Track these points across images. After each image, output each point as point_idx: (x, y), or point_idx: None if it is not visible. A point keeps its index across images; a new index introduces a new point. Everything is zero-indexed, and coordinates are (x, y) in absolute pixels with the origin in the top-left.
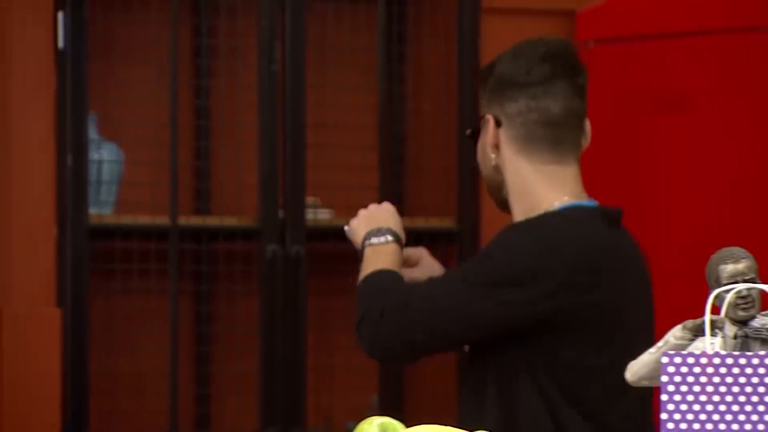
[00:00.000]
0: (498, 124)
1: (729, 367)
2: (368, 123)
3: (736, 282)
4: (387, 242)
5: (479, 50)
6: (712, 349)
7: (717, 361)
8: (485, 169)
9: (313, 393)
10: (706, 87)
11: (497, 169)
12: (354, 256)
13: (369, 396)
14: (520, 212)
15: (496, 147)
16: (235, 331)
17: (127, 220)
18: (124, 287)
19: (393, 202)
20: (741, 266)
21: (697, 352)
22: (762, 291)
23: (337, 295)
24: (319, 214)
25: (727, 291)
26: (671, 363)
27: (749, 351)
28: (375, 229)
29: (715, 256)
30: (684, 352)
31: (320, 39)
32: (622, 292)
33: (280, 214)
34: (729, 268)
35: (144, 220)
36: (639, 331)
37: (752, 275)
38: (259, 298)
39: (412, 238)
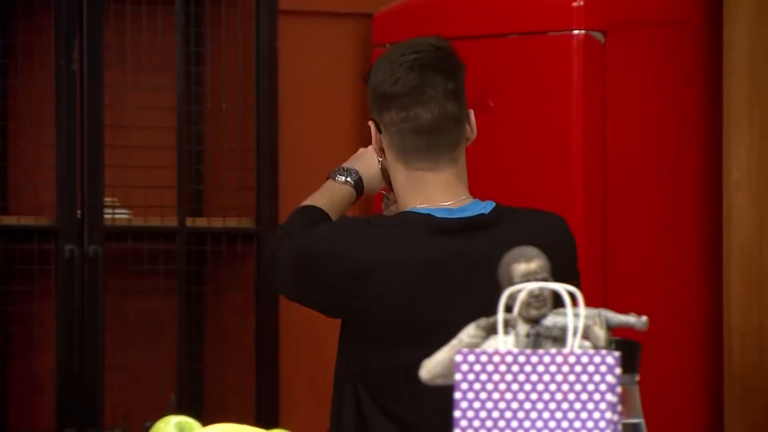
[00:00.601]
0: (379, 130)
1: (521, 365)
2: (167, 123)
3: (529, 281)
4: (343, 182)
5: (277, 52)
6: (505, 347)
7: (509, 359)
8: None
9: (111, 393)
10: (501, 89)
11: (385, 170)
12: (152, 255)
13: (167, 395)
14: None
15: (382, 151)
16: (32, 331)
17: None
18: None
19: (191, 202)
20: (533, 266)
21: (491, 350)
22: (553, 290)
23: (136, 295)
24: (117, 214)
25: (520, 290)
26: (465, 361)
27: (541, 349)
28: (345, 168)
29: (507, 256)
30: (477, 350)
31: (118, 39)
32: (415, 296)
33: (78, 213)
34: (521, 268)
35: None
36: (444, 330)
37: (544, 274)
38: (57, 297)
39: (210, 238)
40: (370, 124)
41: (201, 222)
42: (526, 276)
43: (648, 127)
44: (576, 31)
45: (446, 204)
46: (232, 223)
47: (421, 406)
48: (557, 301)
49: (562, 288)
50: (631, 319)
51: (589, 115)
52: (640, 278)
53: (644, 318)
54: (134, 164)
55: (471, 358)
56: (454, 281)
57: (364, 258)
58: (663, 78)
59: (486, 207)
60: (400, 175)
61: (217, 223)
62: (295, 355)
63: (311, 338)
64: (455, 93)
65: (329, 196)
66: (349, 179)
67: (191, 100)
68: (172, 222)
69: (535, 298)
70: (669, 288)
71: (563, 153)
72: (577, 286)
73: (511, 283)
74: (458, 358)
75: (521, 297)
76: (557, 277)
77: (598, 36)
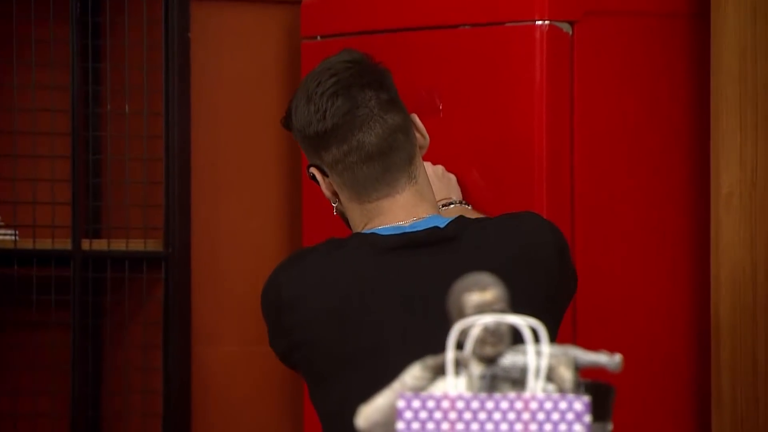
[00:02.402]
0: (324, 173)
1: (475, 411)
2: (59, 128)
3: (483, 313)
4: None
5: (189, 45)
6: (456, 390)
7: (461, 404)
8: (334, 210)
9: None
10: (452, 88)
11: (341, 212)
12: (42, 283)
13: None
14: None
15: (335, 195)
16: None
17: None
18: None
19: (88, 221)
20: (488, 295)
21: (438, 393)
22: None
23: (22, 329)
24: (0, 235)
25: (473, 324)
26: (408, 407)
27: (498, 393)
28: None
29: (458, 284)
30: (423, 394)
31: (5, 32)
32: (345, 320)
33: None
34: (474, 299)
35: None
36: (383, 356)
37: (501, 305)
38: None
39: (111, 263)
40: (313, 171)
41: (100, 244)
42: (479, 308)
43: (623, 133)
44: (539, 22)
45: (400, 222)
46: (136, 245)
47: None
48: (516, 337)
49: (522, 322)
50: (602, 357)
51: (555, 117)
52: (610, 303)
53: (618, 357)
54: (21, 176)
55: (416, 403)
56: (391, 303)
57: (286, 288)
58: (640, 76)
59: (444, 221)
60: (355, 213)
61: (119, 245)
62: (211, 400)
63: (228, 380)
64: (391, 102)
65: None
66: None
67: (88, 101)
68: (65, 244)
69: (490, 333)
70: (643, 319)
71: (525, 161)
72: (574, 285)
73: (463, 315)
74: (401, 403)
75: (474, 332)
76: (548, 285)
77: (565, 27)
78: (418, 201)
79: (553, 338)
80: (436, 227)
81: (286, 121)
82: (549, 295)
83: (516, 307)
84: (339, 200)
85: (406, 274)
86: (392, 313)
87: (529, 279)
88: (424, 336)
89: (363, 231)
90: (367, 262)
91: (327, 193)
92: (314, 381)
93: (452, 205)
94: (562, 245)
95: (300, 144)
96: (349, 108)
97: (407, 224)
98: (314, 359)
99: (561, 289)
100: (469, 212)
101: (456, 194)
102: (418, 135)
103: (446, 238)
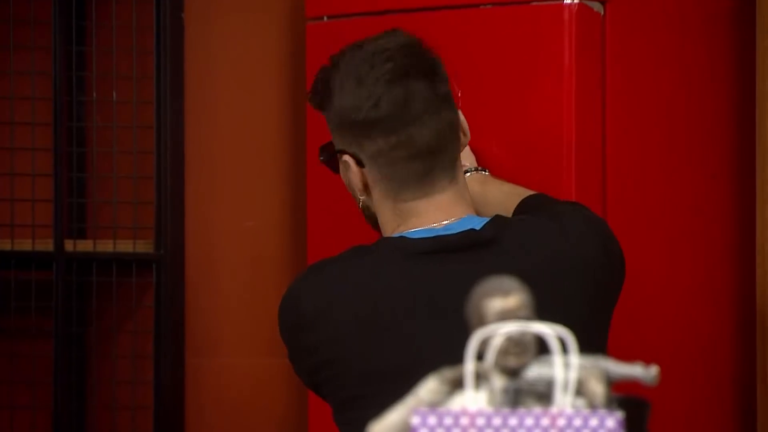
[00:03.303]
0: (360, 164)
1: (497, 428)
2: (40, 118)
3: (506, 321)
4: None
5: (183, 26)
6: (476, 405)
7: (481, 421)
8: (357, 203)
9: None
10: (472, 74)
11: (368, 207)
12: (22, 288)
13: None
14: None
15: (366, 188)
16: None
17: None
18: None
19: (72, 220)
20: (511, 302)
21: (457, 409)
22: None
23: (0, 337)
24: None
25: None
26: (424, 424)
27: (522, 408)
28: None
29: (478, 290)
30: (440, 409)
31: None
32: (371, 338)
33: None
34: (496, 305)
35: None
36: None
37: (525, 312)
38: None
39: (97, 265)
40: (348, 159)
41: (84, 245)
42: (502, 315)
43: (659, 120)
44: (568, 0)
45: (433, 225)
46: (124, 246)
47: None
48: (542, 348)
49: (549, 330)
50: (637, 370)
51: (585, 105)
52: (642, 304)
53: (654, 369)
54: None
55: (432, 419)
56: (423, 314)
57: (306, 301)
58: (678, 59)
59: (480, 222)
60: (386, 211)
61: (106, 246)
62: (205, 416)
63: (225, 396)
64: (447, 96)
65: None
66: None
67: (72, 88)
68: (46, 245)
69: (514, 343)
70: (680, 323)
71: (552, 153)
72: (622, 274)
73: (483, 323)
74: (415, 419)
75: (496, 342)
76: (596, 289)
77: (596, 6)
78: (456, 202)
79: (605, 341)
80: (472, 229)
81: (318, 99)
82: (596, 300)
83: (560, 316)
84: (368, 195)
85: (437, 282)
86: (424, 325)
87: (574, 285)
88: (458, 349)
89: (392, 235)
90: (396, 270)
91: (356, 184)
92: (342, 403)
93: (468, 174)
94: (605, 239)
95: (334, 127)
96: (405, 98)
97: (440, 227)
98: (342, 379)
99: (609, 289)
100: (488, 180)
101: (470, 161)
102: (461, 134)
103: (483, 242)
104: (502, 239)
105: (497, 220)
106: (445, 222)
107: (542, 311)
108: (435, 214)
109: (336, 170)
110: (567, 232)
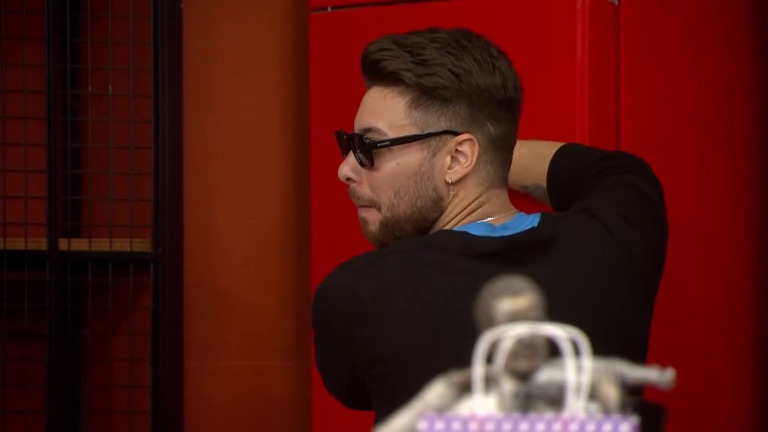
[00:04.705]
0: (480, 148)
1: None
2: (33, 112)
3: (516, 322)
4: None
5: (181, 16)
6: (485, 409)
7: (491, 426)
8: (410, 198)
9: None
10: None
11: (437, 201)
12: (14, 288)
13: None
14: None
15: (465, 175)
16: None
17: None
18: None
19: (66, 218)
20: (522, 302)
21: (465, 413)
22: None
23: None
24: None
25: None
26: (431, 429)
27: (533, 413)
28: None
29: (487, 290)
30: (448, 414)
31: None
32: (437, 344)
33: None
34: (506, 306)
35: None
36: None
37: (536, 313)
38: None
39: (92, 265)
40: (472, 139)
41: (79, 244)
42: (512, 316)
43: (676, 117)
44: None
45: (490, 219)
46: (121, 245)
47: None
48: (554, 350)
49: (560, 332)
50: (652, 373)
51: (599, 99)
52: (662, 305)
53: (670, 373)
54: None
55: (439, 425)
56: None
57: (365, 290)
58: (696, 53)
59: (534, 220)
60: (471, 195)
61: (102, 245)
62: (204, 421)
63: (224, 399)
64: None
65: None
66: None
67: (66, 81)
68: (40, 244)
69: (524, 345)
70: (699, 325)
71: None
72: (665, 239)
73: (492, 325)
74: (422, 424)
75: (506, 345)
76: (647, 282)
77: None
78: (508, 197)
79: (648, 330)
80: (533, 228)
81: (447, 73)
82: (648, 292)
83: (615, 317)
84: (457, 183)
85: (466, 281)
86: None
87: (625, 284)
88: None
89: (454, 229)
90: (466, 267)
91: (453, 171)
92: (392, 407)
93: None
94: (643, 230)
95: (462, 102)
96: (520, 89)
97: (498, 224)
98: (395, 378)
99: (652, 281)
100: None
101: None
102: None
103: (543, 241)
104: (560, 239)
105: (547, 219)
106: (501, 219)
107: (599, 311)
108: (500, 207)
109: (370, 161)
110: (610, 230)
